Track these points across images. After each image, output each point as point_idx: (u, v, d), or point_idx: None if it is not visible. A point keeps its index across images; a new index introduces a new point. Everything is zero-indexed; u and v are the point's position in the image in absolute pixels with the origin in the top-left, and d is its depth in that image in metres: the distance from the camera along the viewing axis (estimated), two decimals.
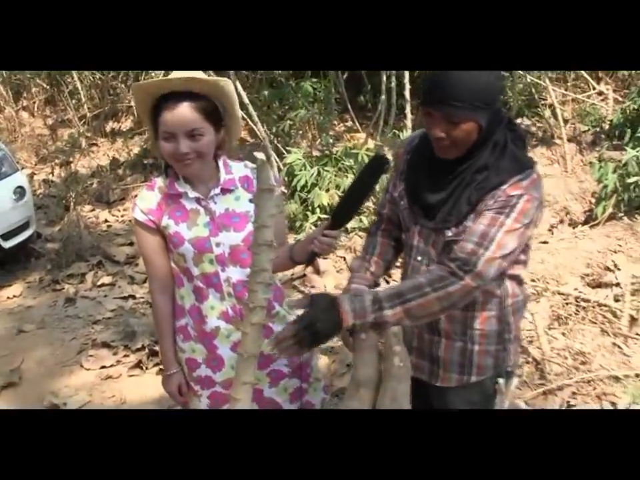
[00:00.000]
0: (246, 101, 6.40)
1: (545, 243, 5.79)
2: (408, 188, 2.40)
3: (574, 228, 6.22)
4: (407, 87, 6.28)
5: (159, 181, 2.63)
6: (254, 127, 6.66)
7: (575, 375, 3.98)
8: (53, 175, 8.02)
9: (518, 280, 2.43)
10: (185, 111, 2.41)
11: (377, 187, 5.03)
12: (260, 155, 1.84)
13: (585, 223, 6.23)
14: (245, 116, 6.62)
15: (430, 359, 2.48)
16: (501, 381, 2.37)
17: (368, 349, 2.48)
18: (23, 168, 8.39)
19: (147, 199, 2.60)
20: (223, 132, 2.57)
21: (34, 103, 10.09)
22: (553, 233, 6.22)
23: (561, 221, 6.41)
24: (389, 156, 4.33)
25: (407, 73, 6.36)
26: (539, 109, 7.97)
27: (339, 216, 2.42)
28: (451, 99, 2.07)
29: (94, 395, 4.38)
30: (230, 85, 2.53)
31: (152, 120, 2.51)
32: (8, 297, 5.71)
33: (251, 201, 2.58)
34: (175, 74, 2.49)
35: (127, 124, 9.28)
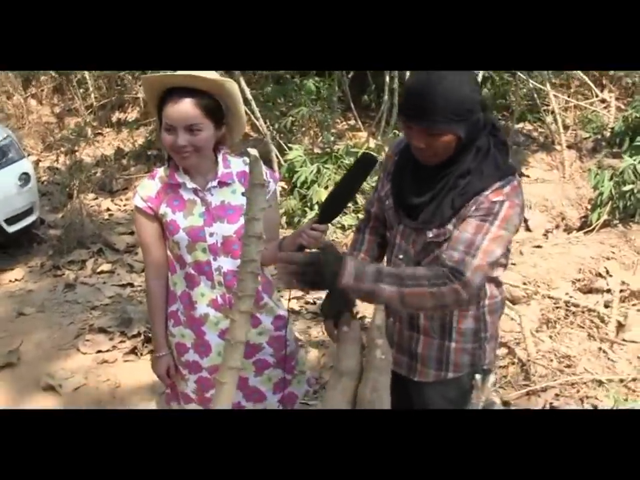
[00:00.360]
0: (249, 96, 6.48)
1: (538, 247, 5.88)
2: (394, 188, 2.49)
3: (569, 233, 6.31)
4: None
5: (161, 171, 2.76)
6: (256, 122, 6.73)
7: (559, 378, 4.06)
8: (58, 163, 8.09)
9: (496, 281, 2.52)
10: (186, 106, 2.52)
11: (366, 185, 5.12)
12: (253, 152, 1.94)
13: (580, 229, 6.32)
14: (248, 111, 6.70)
15: (409, 355, 2.57)
16: (478, 377, 2.48)
17: (351, 340, 2.56)
18: (29, 155, 8.46)
19: (147, 187, 2.72)
20: (224, 128, 2.67)
21: (42, 90, 10.15)
22: (547, 238, 6.30)
23: (557, 226, 6.50)
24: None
25: (408, 74, 6.43)
26: (541, 115, 8.03)
27: (327, 211, 2.52)
28: (428, 114, 2.16)
29: (89, 378, 4.46)
30: (234, 87, 2.63)
31: (158, 110, 2.62)
32: (10, 280, 5.80)
33: (243, 194, 2.67)
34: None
35: (132, 115, 9.35)
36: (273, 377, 2.89)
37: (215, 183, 2.68)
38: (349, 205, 4.93)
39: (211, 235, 2.66)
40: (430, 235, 2.33)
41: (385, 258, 2.63)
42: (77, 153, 7.80)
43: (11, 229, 5.82)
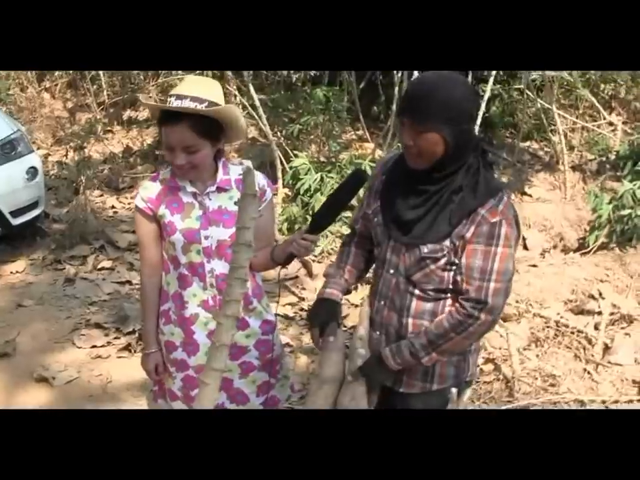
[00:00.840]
0: (257, 103, 6.55)
1: (534, 266, 5.92)
2: (383, 205, 2.56)
3: (566, 254, 6.35)
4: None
5: (163, 173, 2.85)
6: (263, 128, 6.80)
7: (542, 396, 4.11)
8: (66, 158, 8.14)
9: None
10: (181, 131, 2.61)
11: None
12: (247, 163, 2.03)
13: (577, 250, 6.35)
14: (256, 116, 6.78)
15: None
16: (454, 390, 2.56)
17: (335, 350, 2.64)
18: (38, 148, 8.54)
19: (149, 189, 2.81)
20: (222, 141, 2.77)
21: (56, 85, 10.23)
22: (544, 257, 6.35)
23: (554, 246, 6.55)
24: None
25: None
26: (549, 134, 8.07)
27: (318, 222, 2.64)
28: (417, 110, 2.27)
29: (82, 372, 4.54)
30: (231, 111, 2.72)
31: (159, 127, 2.73)
32: (11, 272, 5.88)
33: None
34: (188, 80, 2.71)
35: (143, 114, 9.40)
36: (257, 380, 2.96)
37: (213, 188, 2.77)
38: (340, 217, 4.99)
39: (206, 237, 2.74)
40: (425, 250, 2.40)
41: (374, 274, 2.70)
42: (85, 149, 7.84)
43: (16, 222, 5.90)
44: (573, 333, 4.79)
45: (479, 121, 6.92)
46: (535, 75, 7.93)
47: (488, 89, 7.02)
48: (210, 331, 2.82)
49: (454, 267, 2.40)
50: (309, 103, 7.18)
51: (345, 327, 4.34)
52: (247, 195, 1.98)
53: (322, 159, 7.08)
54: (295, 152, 7.00)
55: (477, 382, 4.34)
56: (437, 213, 2.39)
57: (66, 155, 8.19)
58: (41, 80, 10.21)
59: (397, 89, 7.45)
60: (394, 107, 7.42)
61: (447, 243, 2.37)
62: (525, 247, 6.49)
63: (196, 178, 2.75)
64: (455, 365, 2.57)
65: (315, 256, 6.03)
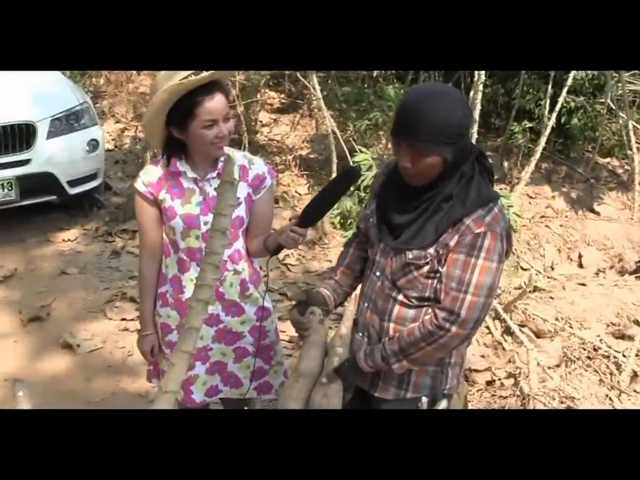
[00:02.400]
0: (319, 94, 6.55)
1: (582, 285, 5.77)
2: (378, 207, 2.55)
3: (622, 275, 6.17)
4: (478, 107, 6.32)
5: (164, 159, 2.86)
6: (327, 122, 6.79)
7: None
8: (142, 133, 8.28)
9: None
10: (221, 99, 2.66)
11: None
12: (228, 150, 2.04)
13: (634, 272, 6.15)
14: (323, 109, 6.78)
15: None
16: (424, 399, 2.53)
17: (314, 345, 2.65)
18: (117, 122, 8.79)
19: (150, 173, 2.84)
20: None
21: None
22: (598, 276, 6.18)
23: (611, 267, 6.37)
24: None
25: (479, 94, 6.40)
26: (630, 152, 7.82)
27: (307, 217, 2.66)
28: (417, 133, 2.22)
29: (107, 343, 4.67)
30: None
31: (179, 115, 2.66)
32: (63, 240, 6.05)
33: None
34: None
35: None
36: (250, 365, 2.99)
37: (214, 174, 2.79)
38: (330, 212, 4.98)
39: (205, 223, 2.76)
40: (410, 255, 2.37)
41: (364, 274, 2.68)
42: None
43: (72, 191, 6.07)
44: (605, 356, 4.65)
45: (546, 132, 6.82)
46: (621, 90, 7.69)
47: (561, 98, 6.84)
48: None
49: (437, 275, 2.37)
50: (379, 100, 7.14)
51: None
52: (225, 182, 1.99)
53: (386, 156, 7.03)
54: (359, 148, 6.95)
55: (493, 395, 4.28)
56: (425, 220, 2.36)
57: (141, 130, 8.29)
58: None
59: (472, 92, 7.32)
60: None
61: (431, 250, 2.34)
62: (580, 265, 6.34)
63: (203, 160, 2.77)
64: (432, 375, 2.54)
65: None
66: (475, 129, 6.35)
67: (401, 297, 2.45)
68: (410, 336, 2.38)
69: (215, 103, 2.63)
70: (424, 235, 2.35)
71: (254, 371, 2.99)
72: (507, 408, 4.12)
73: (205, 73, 2.62)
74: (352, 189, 6.42)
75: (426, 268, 2.36)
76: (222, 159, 2.77)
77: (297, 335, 2.85)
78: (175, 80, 2.59)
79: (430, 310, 2.40)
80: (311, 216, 2.66)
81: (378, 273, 2.51)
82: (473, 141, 6.26)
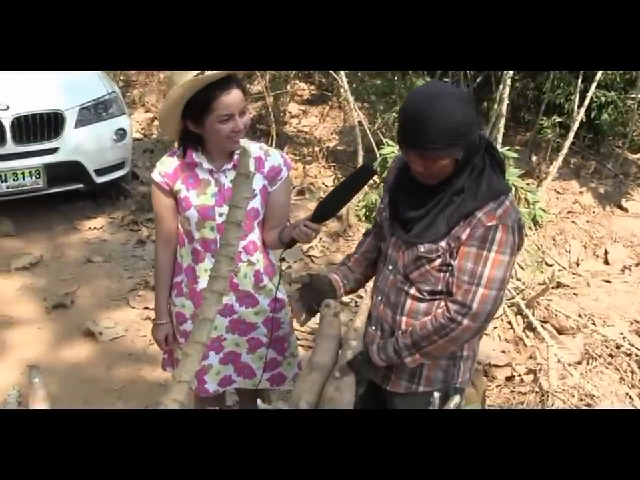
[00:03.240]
0: (346, 86, 6.54)
1: (607, 282, 5.72)
2: (391, 201, 2.56)
3: None
4: (505, 101, 6.29)
5: (180, 150, 2.87)
6: (354, 113, 6.78)
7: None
8: None
9: None
10: (238, 93, 2.67)
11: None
12: (243, 143, 2.05)
13: None
14: (350, 101, 6.77)
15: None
16: (436, 394, 2.53)
17: (328, 338, 2.66)
18: (147, 111, 8.82)
19: (166, 164, 2.87)
20: None
21: None
22: (624, 273, 6.12)
23: (637, 264, 6.28)
24: None
25: (507, 89, 6.36)
26: None
27: (321, 212, 2.68)
28: (424, 141, 2.22)
29: (129, 331, 4.72)
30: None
31: (195, 109, 2.67)
32: (89, 228, 6.10)
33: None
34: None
35: (257, 87, 9.51)
36: (264, 356, 3.01)
37: (229, 166, 2.80)
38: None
39: (220, 214, 2.78)
40: (422, 249, 2.38)
41: (377, 268, 2.69)
42: None
43: (99, 180, 6.12)
44: (627, 355, 4.62)
45: (575, 126, 6.76)
46: None
47: (590, 93, 6.78)
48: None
49: (449, 269, 2.38)
50: (408, 93, 7.09)
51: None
52: (241, 175, 2.01)
53: None
54: (388, 140, 6.93)
55: (512, 391, 4.27)
56: (436, 214, 2.36)
57: None
58: None
59: (500, 87, 7.28)
60: (496, 105, 7.27)
61: (443, 244, 2.35)
62: (606, 261, 6.28)
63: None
64: (444, 369, 2.55)
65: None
66: (503, 123, 6.34)
67: (413, 291, 2.46)
68: (422, 329, 2.39)
69: (232, 98, 2.64)
70: (436, 229, 2.36)
71: (267, 362, 3.01)
72: (525, 404, 4.11)
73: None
74: (377, 181, 6.43)
75: (438, 261, 2.37)
76: (238, 151, 2.78)
77: (316, 326, 2.85)
78: (191, 74, 2.60)
79: (442, 303, 2.41)
80: (324, 212, 2.68)
81: (390, 267, 2.53)
82: (499, 136, 6.28)
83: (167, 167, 2.85)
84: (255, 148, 2.87)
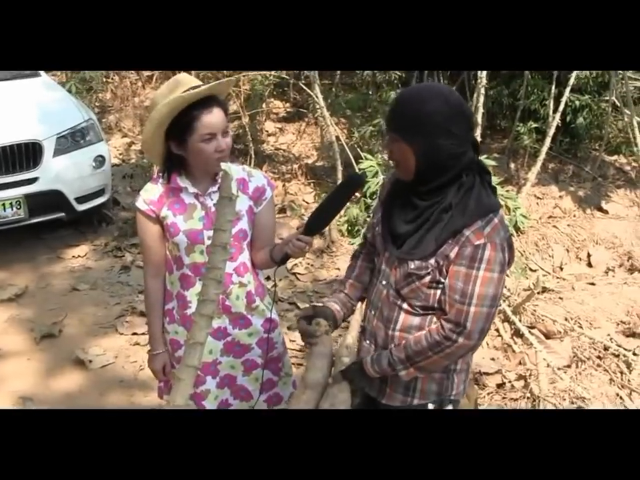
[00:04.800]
0: (321, 103, 6.57)
1: (592, 284, 5.77)
2: (383, 216, 2.58)
3: (631, 273, 6.15)
4: (480, 110, 6.35)
5: (163, 177, 2.87)
6: (331, 128, 6.80)
7: None
8: None
9: None
10: (219, 113, 2.68)
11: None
12: (224, 166, 2.06)
13: None
14: (326, 117, 6.79)
15: (380, 377, 2.61)
16: (430, 406, 2.54)
17: (320, 355, 2.66)
18: (125, 136, 8.82)
19: (150, 191, 2.86)
20: None
21: (152, 74, 10.41)
22: (608, 275, 6.17)
23: (620, 265, 6.34)
24: None
25: (482, 97, 6.42)
26: (637, 149, 7.77)
27: (312, 225, 2.68)
28: (393, 119, 2.33)
29: (119, 358, 4.70)
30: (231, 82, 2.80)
31: (178, 130, 2.69)
32: (73, 256, 6.08)
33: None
34: (182, 77, 2.76)
35: (232, 107, 9.53)
36: (259, 377, 3.01)
37: (215, 189, 2.80)
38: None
39: (209, 237, 2.75)
40: (412, 266, 2.40)
41: (370, 282, 2.70)
42: None
43: (80, 208, 6.10)
44: (615, 355, 4.65)
45: (551, 132, 6.82)
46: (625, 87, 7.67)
47: (564, 98, 6.85)
48: (213, 329, 2.85)
49: (440, 285, 2.39)
50: (382, 106, 7.14)
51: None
52: (223, 198, 2.03)
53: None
54: (366, 155, 6.96)
55: (504, 398, 4.29)
56: (425, 230, 2.38)
57: None
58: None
59: (475, 95, 7.34)
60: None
61: (432, 261, 2.36)
62: (589, 264, 6.33)
63: (204, 174, 2.79)
64: (438, 382, 2.55)
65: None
66: (479, 131, 6.39)
67: (405, 306, 2.47)
68: (417, 344, 2.40)
69: (214, 117, 2.65)
70: (425, 246, 2.37)
71: (263, 383, 3.01)
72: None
73: (203, 87, 2.66)
74: (358, 195, 6.45)
75: (427, 278, 2.38)
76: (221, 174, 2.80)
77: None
78: (176, 94, 2.63)
79: (435, 319, 2.43)
80: (316, 224, 2.69)
81: (384, 282, 2.54)
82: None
83: (151, 194, 2.84)
84: (238, 169, 2.89)
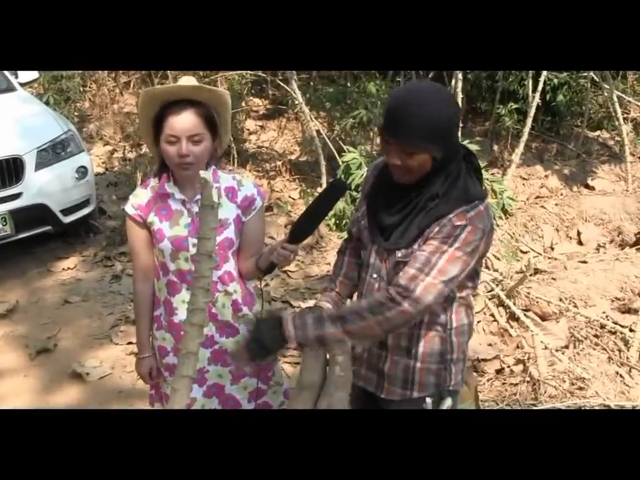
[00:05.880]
0: (300, 99, 6.55)
1: (584, 262, 5.76)
2: (369, 209, 2.56)
3: (622, 249, 6.16)
4: (460, 95, 6.34)
5: (153, 181, 2.87)
6: (311, 123, 6.78)
7: (567, 400, 4.01)
8: (132, 154, 8.23)
9: (465, 304, 2.56)
10: (189, 116, 2.64)
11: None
12: (204, 174, 2.05)
13: (635, 244, 6.13)
14: (306, 113, 6.78)
15: (377, 372, 2.62)
16: (428, 400, 2.53)
17: (314, 356, 2.64)
18: (106, 144, 8.77)
19: (139, 196, 2.85)
20: (217, 141, 2.78)
21: (129, 81, 10.37)
22: (599, 251, 6.18)
23: (611, 241, 6.35)
24: None
25: (460, 82, 6.42)
26: (617, 123, 7.79)
27: (297, 232, 2.66)
28: (406, 132, 2.23)
29: (115, 368, 4.67)
30: (228, 97, 2.76)
31: (154, 125, 2.73)
32: (63, 269, 6.04)
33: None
34: (184, 80, 2.75)
35: None
36: (248, 386, 3.00)
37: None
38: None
39: (194, 245, 2.74)
40: (399, 254, 2.39)
41: (359, 277, 2.68)
42: (142, 146, 7.92)
43: (67, 220, 6.06)
44: (612, 333, 4.66)
45: (532, 111, 6.82)
46: None
47: (542, 77, 6.87)
48: None
49: None
50: (362, 97, 7.12)
51: None
52: (205, 206, 2.01)
53: (375, 153, 7.01)
54: (348, 147, 6.94)
55: (504, 383, 4.29)
56: (411, 220, 2.38)
57: (131, 151, 8.28)
58: (118, 75, 10.33)
59: (453, 81, 7.34)
60: None
61: (415, 246, 2.35)
62: (580, 242, 6.34)
63: (193, 179, 2.75)
64: (435, 373, 2.55)
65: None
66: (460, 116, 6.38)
67: None
68: (354, 305, 2.42)
69: (179, 120, 2.63)
70: (409, 234, 2.37)
71: (251, 391, 3.01)
72: (518, 395, 4.12)
73: (168, 85, 2.66)
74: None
75: None
76: (210, 180, 2.78)
77: None
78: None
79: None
80: (300, 232, 2.66)
81: (375, 275, 2.52)
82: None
83: (139, 199, 2.84)
84: (228, 178, 2.87)
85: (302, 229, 2.66)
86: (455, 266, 2.28)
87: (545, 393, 4.09)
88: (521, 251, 6.18)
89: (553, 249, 6.29)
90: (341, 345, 2.39)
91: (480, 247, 2.33)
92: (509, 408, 4.02)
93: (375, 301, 2.33)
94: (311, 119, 6.75)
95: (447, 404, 2.57)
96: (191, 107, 2.65)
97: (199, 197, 2.76)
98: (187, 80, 2.75)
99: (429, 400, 2.54)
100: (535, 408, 3.95)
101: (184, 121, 2.64)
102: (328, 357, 2.63)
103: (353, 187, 6.45)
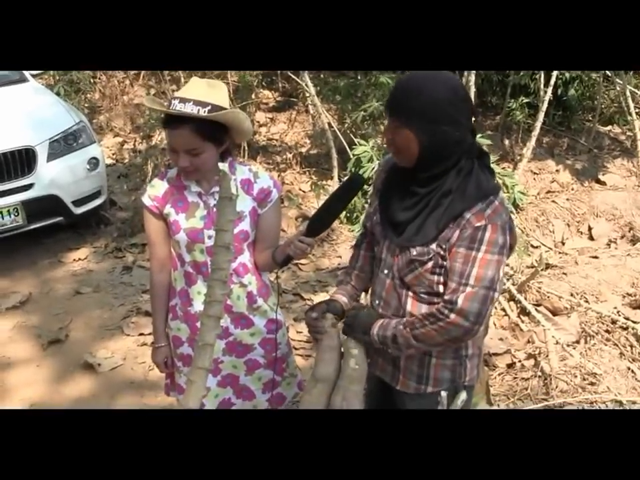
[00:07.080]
0: (312, 92, 6.54)
1: (595, 257, 5.76)
2: (381, 204, 2.56)
3: (634, 244, 6.15)
4: (472, 88, 6.33)
5: (170, 172, 2.88)
6: (322, 116, 6.77)
7: (579, 395, 4.01)
8: (142, 145, 8.25)
9: None
10: (184, 133, 2.64)
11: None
12: (222, 166, 2.04)
13: None
14: (318, 104, 6.77)
15: (393, 364, 2.62)
16: (443, 394, 2.54)
17: (329, 349, 2.66)
18: (116, 136, 8.78)
19: (156, 187, 2.86)
20: (227, 142, 2.78)
21: (139, 72, 10.36)
22: (610, 247, 6.17)
23: (622, 236, 6.34)
24: None
25: (472, 76, 6.40)
26: (631, 118, 7.75)
27: (314, 226, 2.68)
28: (395, 104, 2.30)
29: (127, 359, 4.69)
30: (235, 116, 2.72)
31: (163, 126, 2.78)
32: (74, 260, 6.07)
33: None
34: (192, 85, 2.73)
35: None
36: (262, 377, 3.02)
37: (218, 188, 2.77)
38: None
39: (210, 237, 2.77)
40: (414, 252, 2.39)
41: (373, 272, 2.69)
42: (153, 138, 7.94)
43: (78, 211, 6.09)
44: (624, 329, 4.65)
45: (544, 106, 6.80)
46: None
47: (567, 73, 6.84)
48: None
49: (442, 271, 2.38)
50: (373, 90, 7.09)
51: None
52: (223, 198, 2.00)
53: (386, 146, 6.98)
54: (359, 140, 6.93)
55: (515, 378, 4.28)
56: (425, 216, 2.38)
57: (142, 143, 8.29)
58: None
59: (465, 74, 7.31)
60: None
61: (434, 246, 2.36)
62: (591, 237, 6.33)
63: (202, 177, 2.78)
64: (450, 368, 2.55)
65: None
66: None
67: (410, 294, 2.47)
68: (419, 314, 2.42)
69: (174, 136, 2.67)
70: (425, 232, 2.37)
71: (266, 383, 3.03)
72: (529, 389, 4.12)
73: (165, 109, 2.68)
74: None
75: (430, 264, 2.38)
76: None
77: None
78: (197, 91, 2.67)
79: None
80: (317, 225, 2.68)
81: (386, 271, 2.53)
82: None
83: (156, 190, 2.85)
84: (244, 170, 2.88)
85: (320, 223, 2.67)
86: (489, 269, 2.29)
87: (557, 387, 4.08)
88: (532, 246, 6.17)
89: (563, 243, 6.28)
90: (409, 347, 2.44)
91: (508, 241, 2.34)
92: (520, 403, 4.01)
93: (429, 312, 2.37)
94: (322, 111, 6.73)
95: (462, 398, 2.57)
96: (189, 123, 2.63)
97: (215, 189, 2.77)
98: (195, 84, 2.73)
99: (443, 394, 2.54)
100: (546, 403, 3.94)
101: (178, 138, 2.66)
102: (343, 349, 2.65)
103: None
